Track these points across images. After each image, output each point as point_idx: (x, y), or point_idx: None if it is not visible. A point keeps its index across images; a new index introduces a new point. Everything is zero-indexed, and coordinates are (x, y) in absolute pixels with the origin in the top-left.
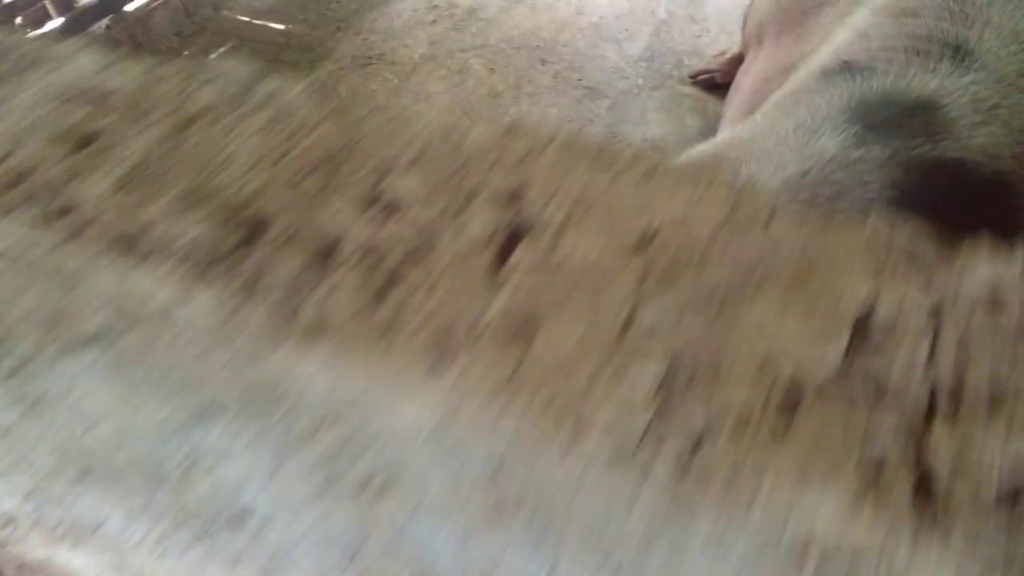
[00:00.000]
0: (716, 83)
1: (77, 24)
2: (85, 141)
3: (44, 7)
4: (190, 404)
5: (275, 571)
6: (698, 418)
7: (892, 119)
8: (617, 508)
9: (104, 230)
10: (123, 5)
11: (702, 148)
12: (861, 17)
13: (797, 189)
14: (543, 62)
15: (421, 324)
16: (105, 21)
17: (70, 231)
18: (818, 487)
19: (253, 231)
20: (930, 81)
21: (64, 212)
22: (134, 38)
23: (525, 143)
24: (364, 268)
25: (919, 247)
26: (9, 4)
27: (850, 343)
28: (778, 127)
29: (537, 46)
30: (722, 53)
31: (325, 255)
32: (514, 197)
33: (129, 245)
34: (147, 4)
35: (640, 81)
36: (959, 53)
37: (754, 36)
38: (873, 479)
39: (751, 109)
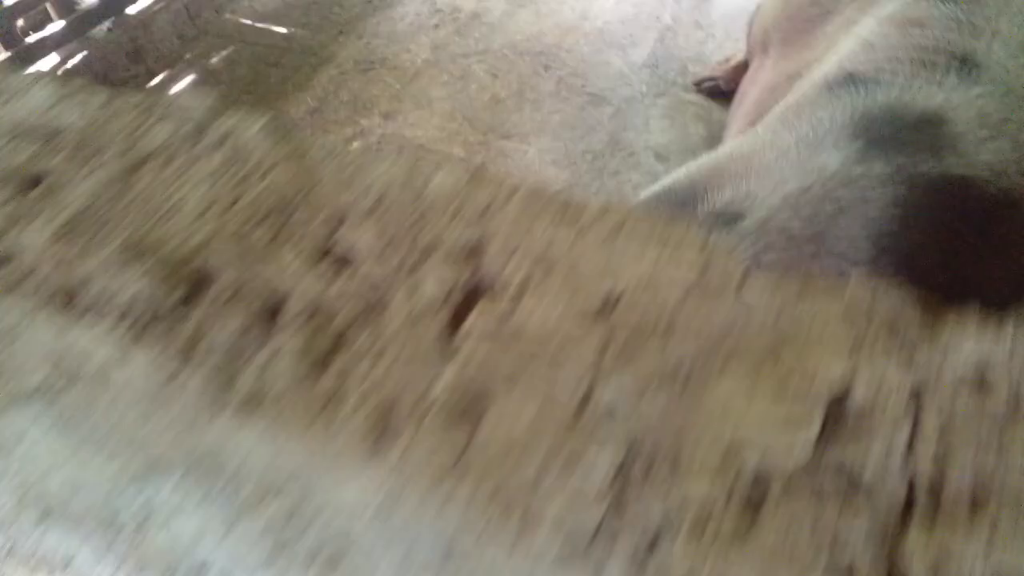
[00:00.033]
0: (721, 90)
1: (78, 27)
2: (31, 182)
3: (45, 10)
4: (137, 461)
5: None
6: (655, 513)
7: (896, 134)
8: None
9: (43, 283)
10: (125, 8)
11: (702, 161)
12: (867, 27)
13: (797, 206)
14: (546, 68)
15: (364, 397)
16: (107, 24)
17: (8, 283)
18: None
19: (196, 287)
20: (936, 94)
21: (3, 262)
22: (135, 41)
23: (489, 192)
24: (309, 330)
25: (902, 318)
26: (10, 7)
27: (823, 430)
28: (779, 140)
29: (540, 52)
30: (727, 60)
31: (270, 314)
32: (473, 253)
33: (68, 300)
34: (149, 7)
35: (644, 88)
36: (966, 65)
37: (759, 44)
38: None
39: (756, 119)
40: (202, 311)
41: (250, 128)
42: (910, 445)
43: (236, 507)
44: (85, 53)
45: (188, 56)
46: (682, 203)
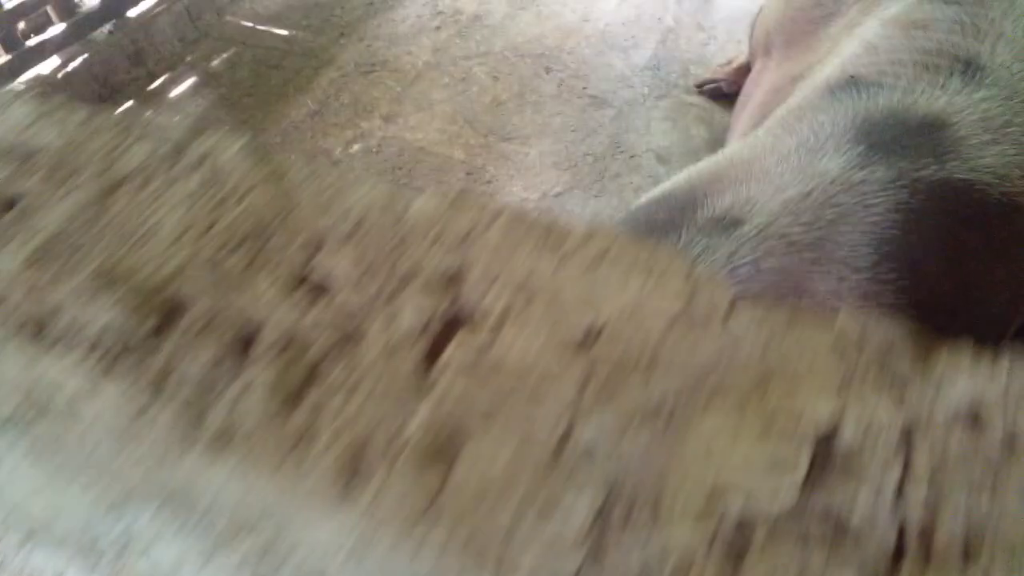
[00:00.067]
0: (723, 92)
1: (79, 30)
2: (6, 205)
3: (46, 13)
4: (113, 491)
5: None
6: (634, 562)
7: (898, 138)
8: None
9: (13, 311)
10: (126, 10)
11: (702, 165)
12: (870, 29)
13: (798, 211)
14: (547, 70)
15: (336, 435)
16: (107, 27)
17: None
18: None
19: (168, 317)
20: (939, 98)
21: None
22: (136, 44)
23: (470, 217)
24: (282, 363)
25: (893, 351)
26: (11, 10)
27: (809, 472)
28: (780, 145)
29: (542, 54)
30: (729, 62)
31: (243, 345)
32: (453, 280)
33: (38, 329)
34: (150, 10)
35: (645, 90)
36: (970, 68)
37: (761, 46)
38: None
39: (760, 121)
40: (174, 342)
41: (229, 149)
42: (900, 488)
43: (212, 540)
44: (86, 56)
45: (189, 59)
46: (681, 208)
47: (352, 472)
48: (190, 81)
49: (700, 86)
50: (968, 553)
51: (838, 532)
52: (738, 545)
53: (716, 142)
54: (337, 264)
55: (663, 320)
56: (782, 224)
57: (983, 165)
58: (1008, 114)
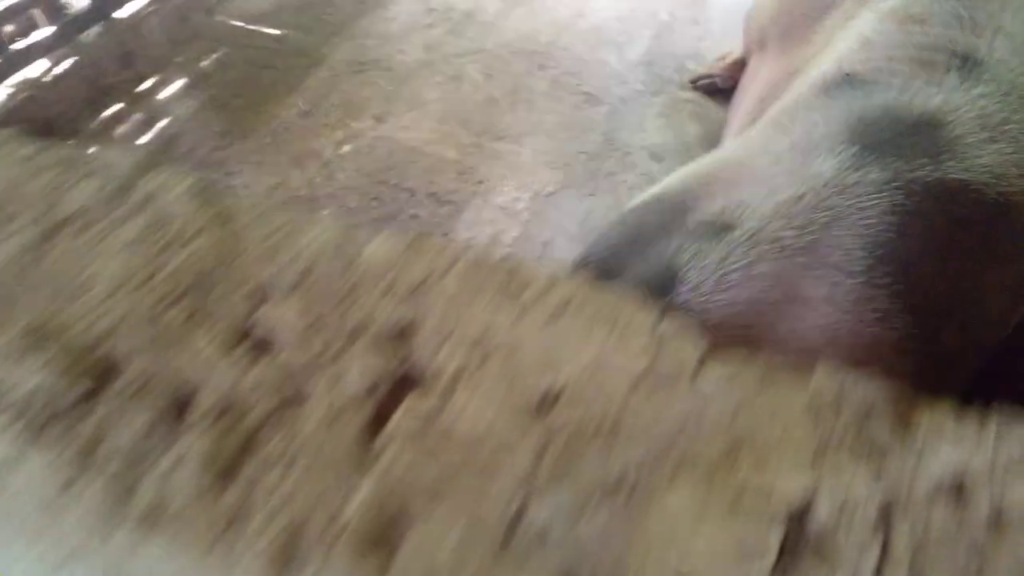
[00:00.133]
0: (718, 88)
1: (67, 32)
2: None
3: (31, 16)
4: (57, 550)
5: None
6: None
7: (893, 138)
8: None
9: None
10: (114, 11)
11: (695, 167)
12: (866, 22)
13: (790, 215)
14: (541, 67)
15: (271, 516)
16: (96, 29)
17: None
18: None
19: (100, 379)
20: (935, 95)
21: None
22: (125, 45)
23: (426, 263)
24: (218, 431)
25: (871, 414)
26: None
27: (780, 556)
28: (773, 145)
29: (535, 50)
30: (724, 57)
31: (178, 411)
32: (405, 335)
33: None
34: (139, 11)
35: (640, 86)
36: (967, 63)
37: (756, 40)
38: None
39: (757, 116)
40: (105, 407)
41: (175, 189)
42: (878, 572)
43: None
44: (75, 59)
45: (179, 59)
46: (672, 212)
47: (287, 559)
48: (180, 82)
49: (695, 82)
50: None
51: None
52: None
53: (711, 138)
54: (282, 317)
55: (627, 380)
56: (774, 228)
57: (979, 165)
58: (1006, 111)
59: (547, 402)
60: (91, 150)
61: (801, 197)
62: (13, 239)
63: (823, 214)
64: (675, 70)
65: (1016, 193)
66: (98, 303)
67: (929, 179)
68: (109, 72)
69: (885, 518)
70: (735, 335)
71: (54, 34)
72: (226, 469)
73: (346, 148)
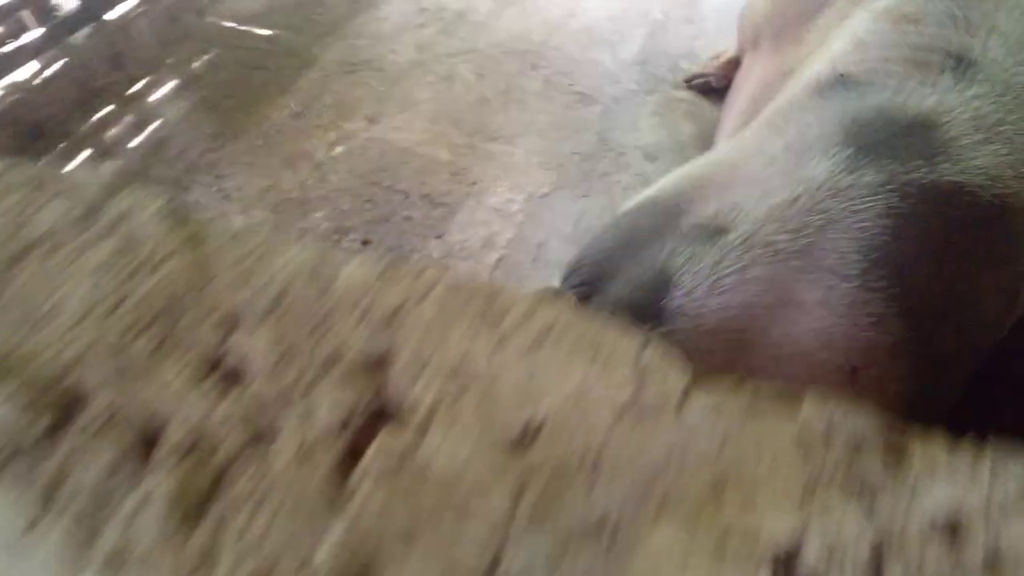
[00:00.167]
0: (712, 87)
1: (57, 34)
2: None
3: (20, 18)
4: None
5: None
6: None
7: (888, 139)
8: None
9: None
10: (104, 13)
11: (688, 169)
12: (860, 22)
13: (784, 218)
14: (533, 67)
15: (239, 561)
16: (86, 30)
17: None
18: None
19: (65, 413)
20: (929, 96)
21: None
22: (115, 47)
23: (402, 289)
24: (185, 469)
25: (862, 448)
26: None
27: None
28: (767, 147)
29: (527, 50)
30: (718, 56)
31: (145, 446)
32: (380, 365)
33: None
34: (129, 12)
35: (633, 86)
36: (961, 64)
37: (750, 39)
38: None
39: (751, 116)
40: (70, 443)
41: (146, 209)
42: None
43: None
44: (65, 61)
45: (169, 61)
46: (666, 215)
47: None
48: (171, 84)
49: (689, 81)
50: None
51: None
52: None
53: (705, 137)
54: (253, 346)
55: (609, 412)
56: (768, 231)
57: (975, 166)
58: (1001, 112)
59: (527, 437)
60: (64, 170)
61: (795, 200)
62: None
63: (817, 217)
64: (669, 69)
65: (1011, 195)
66: (64, 331)
67: (924, 181)
68: (99, 74)
69: (877, 559)
70: (729, 340)
71: (43, 36)
72: (193, 510)
73: (338, 149)
